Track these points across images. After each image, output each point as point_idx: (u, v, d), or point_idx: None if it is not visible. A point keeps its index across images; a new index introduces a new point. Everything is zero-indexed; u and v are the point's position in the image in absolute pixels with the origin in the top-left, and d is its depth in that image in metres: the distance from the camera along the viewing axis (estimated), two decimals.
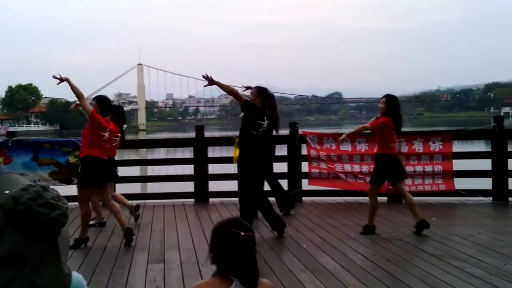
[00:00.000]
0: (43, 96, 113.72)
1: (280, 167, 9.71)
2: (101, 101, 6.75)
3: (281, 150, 10.17)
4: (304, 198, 9.42)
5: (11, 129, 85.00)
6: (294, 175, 9.45)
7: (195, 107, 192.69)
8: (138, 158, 19.26)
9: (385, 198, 9.05)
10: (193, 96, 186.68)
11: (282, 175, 9.61)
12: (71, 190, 7.90)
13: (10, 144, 9.32)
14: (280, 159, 9.65)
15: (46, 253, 1.90)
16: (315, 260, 5.61)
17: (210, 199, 9.49)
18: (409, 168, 8.88)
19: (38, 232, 1.86)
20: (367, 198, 7.23)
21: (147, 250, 6.22)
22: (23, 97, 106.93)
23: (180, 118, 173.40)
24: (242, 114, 6.76)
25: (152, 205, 9.29)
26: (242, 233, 2.23)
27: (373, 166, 6.99)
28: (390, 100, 6.79)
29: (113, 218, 8.26)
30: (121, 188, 9.85)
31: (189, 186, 9.79)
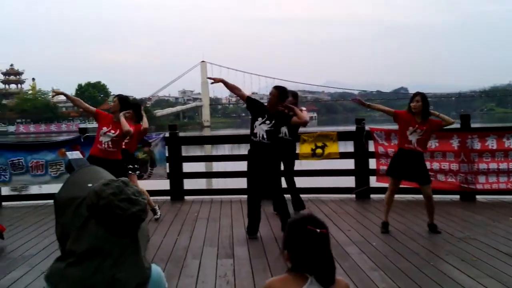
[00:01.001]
0: (111, 94, 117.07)
1: (346, 164, 9.60)
2: (122, 99, 7.19)
3: (348, 146, 10.04)
4: (372, 196, 9.25)
5: (82, 125, 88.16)
6: (361, 172, 9.29)
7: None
8: (203, 154, 19.63)
9: (458, 197, 8.79)
10: (256, 93, 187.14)
11: (349, 172, 9.50)
12: None
13: (82, 140, 9.65)
14: (347, 155, 9.54)
15: (126, 247, 1.93)
16: (386, 259, 5.50)
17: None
18: (482, 166, 8.59)
19: (119, 226, 1.89)
20: (438, 196, 7.03)
21: (216, 245, 6.29)
22: (92, 95, 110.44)
23: (243, 114, 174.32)
24: None
25: (219, 200, 9.39)
26: (318, 230, 2.20)
27: (444, 163, 6.79)
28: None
29: (181, 213, 8.45)
30: (188, 184, 10.03)
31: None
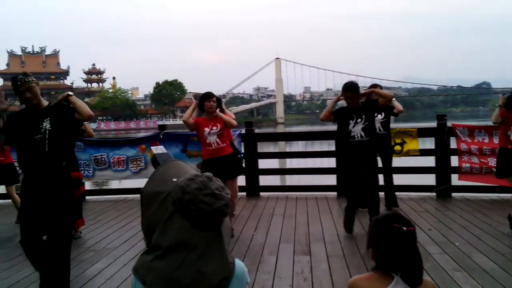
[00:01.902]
0: (188, 91, 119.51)
1: (427, 161, 9.32)
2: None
3: (426, 143, 9.75)
4: (453, 194, 8.93)
5: (159, 123, 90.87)
6: (443, 169, 8.98)
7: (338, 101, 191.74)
8: (277, 150, 19.66)
9: None
10: (331, 89, 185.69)
11: (429, 170, 9.22)
12: None
13: (161, 136, 9.88)
14: (427, 152, 9.25)
15: (211, 241, 1.94)
16: (470, 259, 5.27)
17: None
18: None
19: (204, 221, 1.90)
20: None
21: (292, 242, 6.26)
22: (169, 93, 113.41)
23: (317, 111, 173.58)
24: None
25: (295, 197, 9.36)
26: (405, 228, 2.14)
27: None
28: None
29: (256, 208, 8.48)
30: (262, 180, 10.06)
31: (329, 180, 9.73)
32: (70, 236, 4.51)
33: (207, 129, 6.57)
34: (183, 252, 1.89)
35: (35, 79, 4.44)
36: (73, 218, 4.76)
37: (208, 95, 6.75)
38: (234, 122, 6.85)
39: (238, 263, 2.10)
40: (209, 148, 6.60)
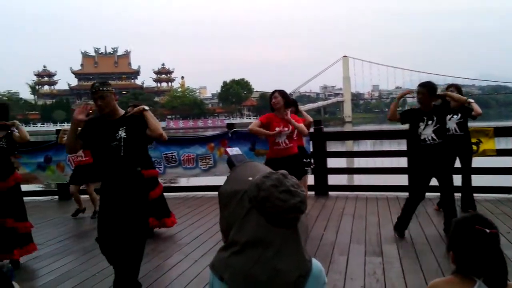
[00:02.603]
0: (254, 90, 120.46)
1: (502, 162, 8.97)
2: (284, 95, 6.86)
3: (503, 143, 9.39)
4: None
5: (226, 121, 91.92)
6: None
7: (402, 99, 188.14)
8: (345, 150, 19.44)
9: None
10: (400, 87, 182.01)
11: (506, 170, 8.87)
12: None
13: (230, 135, 9.98)
14: (505, 153, 8.90)
15: (287, 238, 1.93)
16: None
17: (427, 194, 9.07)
18: None
19: (279, 217, 1.89)
20: None
21: (363, 242, 6.15)
22: (236, 92, 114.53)
23: (386, 109, 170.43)
24: None
25: (365, 197, 9.21)
26: (487, 230, 2.07)
27: None
28: None
29: (326, 208, 8.42)
30: (331, 180, 9.97)
31: (400, 179, 9.52)
32: (144, 235, 4.66)
33: (277, 129, 6.47)
34: (259, 249, 1.89)
35: (111, 89, 4.57)
36: (146, 218, 4.91)
37: (274, 92, 6.67)
38: (306, 131, 6.80)
39: (315, 262, 2.08)
40: (277, 148, 6.55)
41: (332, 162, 10.69)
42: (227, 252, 1.96)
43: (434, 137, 6.12)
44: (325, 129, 10.58)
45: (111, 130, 4.52)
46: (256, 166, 2.30)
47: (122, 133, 4.49)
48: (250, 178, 2.03)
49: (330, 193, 9.80)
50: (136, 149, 4.60)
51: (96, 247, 6.61)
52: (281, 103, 6.51)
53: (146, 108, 4.70)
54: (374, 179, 10.56)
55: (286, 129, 6.48)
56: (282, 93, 6.63)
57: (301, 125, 6.64)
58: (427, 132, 6.15)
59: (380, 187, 9.81)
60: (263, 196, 1.90)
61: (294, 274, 1.90)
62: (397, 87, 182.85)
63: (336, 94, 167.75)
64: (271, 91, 6.79)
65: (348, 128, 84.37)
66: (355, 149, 20.51)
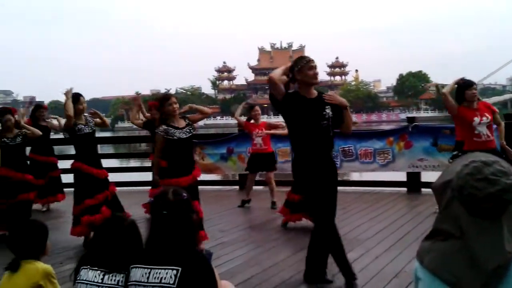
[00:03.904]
0: (432, 82, 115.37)
1: None
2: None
3: None
4: None
5: (402, 115, 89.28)
6: None
7: None
8: None
9: None
10: None
11: None
12: None
13: (410, 129, 9.64)
14: None
15: (485, 229, 1.88)
16: None
17: None
18: None
19: (476, 207, 1.85)
20: None
21: None
22: (413, 84, 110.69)
23: None
24: None
25: None
26: None
27: None
28: None
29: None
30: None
31: None
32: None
33: (476, 119, 6.28)
34: (459, 238, 1.89)
35: None
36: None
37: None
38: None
39: None
40: (477, 140, 6.28)
41: None
42: (431, 240, 2.00)
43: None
44: None
45: (319, 108, 4.58)
46: (470, 155, 2.23)
47: (329, 112, 4.57)
48: (458, 167, 1.99)
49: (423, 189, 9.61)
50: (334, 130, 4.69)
51: (278, 236, 6.88)
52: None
53: (347, 104, 4.72)
54: None
55: (485, 118, 6.35)
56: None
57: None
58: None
59: None
60: (459, 185, 1.88)
61: (491, 264, 1.86)
62: None
63: None
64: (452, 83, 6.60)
65: None
66: None
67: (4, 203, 7.10)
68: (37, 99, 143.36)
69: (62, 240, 6.86)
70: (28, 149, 8.31)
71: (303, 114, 4.52)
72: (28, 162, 8.18)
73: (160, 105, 6.03)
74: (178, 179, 5.67)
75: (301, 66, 4.55)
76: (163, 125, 5.84)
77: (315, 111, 4.55)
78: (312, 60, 4.59)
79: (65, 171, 8.71)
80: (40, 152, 9.09)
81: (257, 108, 9.18)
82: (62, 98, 6.66)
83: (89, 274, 2.89)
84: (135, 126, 9.03)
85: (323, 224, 4.63)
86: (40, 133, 7.63)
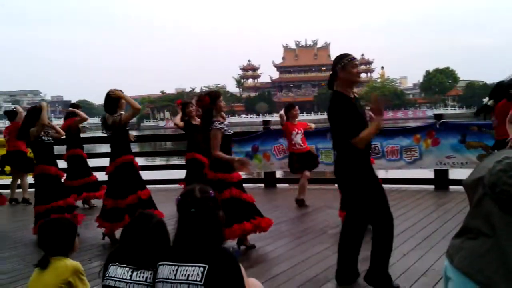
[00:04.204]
0: (460, 79, 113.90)
1: None
2: None
3: None
4: None
5: (428, 112, 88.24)
6: None
7: None
8: None
9: None
10: None
11: None
12: None
13: (438, 126, 9.53)
14: None
15: None
16: None
17: None
18: None
19: (509, 204, 1.82)
20: None
21: None
22: (440, 81, 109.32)
23: None
24: None
25: None
26: None
27: None
28: None
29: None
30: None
31: None
32: None
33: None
34: (490, 237, 1.85)
35: None
36: None
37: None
38: None
39: None
40: None
41: None
42: (461, 238, 1.96)
43: None
44: None
45: (362, 107, 4.66)
46: (501, 153, 2.20)
47: (368, 113, 4.61)
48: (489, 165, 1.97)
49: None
50: None
51: (308, 232, 6.87)
52: None
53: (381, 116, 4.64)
54: None
55: None
56: None
57: None
58: None
59: None
60: (492, 182, 1.85)
61: None
62: None
63: None
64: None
65: None
66: None
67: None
68: (64, 99, 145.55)
69: (90, 237, 6.96)
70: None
71: (353, 115, 4.45)
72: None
73: (212, 101, 6.06)
74: (231, 174, 5.96)
75: (344, 63, 4.47)
76: (217, 121, 5.98)
77: (361, 111, 4.60)
78: (356, 58, 4.53)
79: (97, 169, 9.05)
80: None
81: (297, 108, 9.06)
82: (89, 98, 6.78)
83: (118, 271, 2.92)
84: (160, 125, 9.14)
85: (357, 224, 4.62)
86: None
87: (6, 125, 10.77)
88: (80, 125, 9.55)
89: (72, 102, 10.78)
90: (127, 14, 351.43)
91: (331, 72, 4.61)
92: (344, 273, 4.67)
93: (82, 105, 10.79)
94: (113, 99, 6.61)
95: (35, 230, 6.76)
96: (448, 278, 1.98)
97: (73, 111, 9.39)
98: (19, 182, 10.24)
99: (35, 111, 7.00)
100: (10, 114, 9.99)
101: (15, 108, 10.49)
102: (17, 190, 10.30)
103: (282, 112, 8.93)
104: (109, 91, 6.66)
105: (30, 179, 9.60)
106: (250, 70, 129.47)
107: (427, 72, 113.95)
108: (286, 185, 11.58)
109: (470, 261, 1.87)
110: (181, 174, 9.53)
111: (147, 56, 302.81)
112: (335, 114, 4.52)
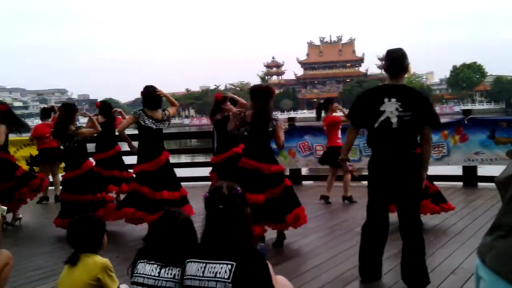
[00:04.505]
0: (488, 74, 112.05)
1: None
2: None
3: None
4: None
5: (456, 108, 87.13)
6: None
7: None
8: None
9: None
10: None
11: None
12: None
13: (466, 122, 9.40)
14: None
15: None
16: None
17: None
18: None
19: None
20: None
21: None
22: (467, 76, 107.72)
23: None
24: None
25: None
26: None
27: None
28: None
29: None
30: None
31: None
32: None
33: None
34: None
35: None
36: None
37: None
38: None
39: None
40: None
41: None
42: (492, 235, 1.88)
43: None
44: None
45: None
46: None
47: None
48: None
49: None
50: None
51: (335, 229, 6.84)
52: None
53: None
54: None
55: None
56: None
57: None
58: None
59: None
60: None
61: None
62: None
63: None
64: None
65: None
66: None
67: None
68: (90, 97, 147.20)
69: (118, 235, 7.02)
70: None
71: None
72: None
73: (271, 97, 6.16)
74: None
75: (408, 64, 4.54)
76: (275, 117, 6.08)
77: None
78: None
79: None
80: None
81: (336, 103, 9.16)
82: (114, 96, 6.87)
83: (146, 268, 2.95)
84: (185, 123, 9.21)
85: (377, 221, 4.58)
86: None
87: (35, 124, 10.82)
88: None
89: (100, 100, 10.64)
90: (148, 14, 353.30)
91: (402, 68, 4.51)
92: (367, 270, 4.63)
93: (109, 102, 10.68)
94: (158, 97, 6.94)
95: (58, 221, 7.11)
96: (479, 277, 1.92)
97: (114, 110, 9.56)
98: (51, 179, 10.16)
99: (71, 110, 7.30)
100: (46, 112, 10.08)
101: (53, 106, 10.51)
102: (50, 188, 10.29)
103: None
104: (152, 89, 6.91)
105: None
106: (274, 67, 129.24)
107: (454, 67, 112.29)
108: (311, 182, 11.53)
109: (503, 260, 1.80)
110: (205, 171, 9.61)
111: (170, 52, 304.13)
112: (431, 107, 4.52)
